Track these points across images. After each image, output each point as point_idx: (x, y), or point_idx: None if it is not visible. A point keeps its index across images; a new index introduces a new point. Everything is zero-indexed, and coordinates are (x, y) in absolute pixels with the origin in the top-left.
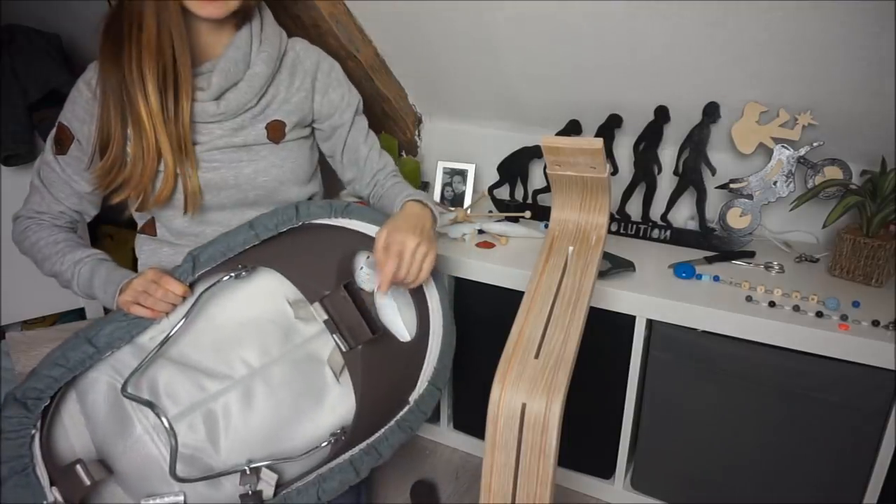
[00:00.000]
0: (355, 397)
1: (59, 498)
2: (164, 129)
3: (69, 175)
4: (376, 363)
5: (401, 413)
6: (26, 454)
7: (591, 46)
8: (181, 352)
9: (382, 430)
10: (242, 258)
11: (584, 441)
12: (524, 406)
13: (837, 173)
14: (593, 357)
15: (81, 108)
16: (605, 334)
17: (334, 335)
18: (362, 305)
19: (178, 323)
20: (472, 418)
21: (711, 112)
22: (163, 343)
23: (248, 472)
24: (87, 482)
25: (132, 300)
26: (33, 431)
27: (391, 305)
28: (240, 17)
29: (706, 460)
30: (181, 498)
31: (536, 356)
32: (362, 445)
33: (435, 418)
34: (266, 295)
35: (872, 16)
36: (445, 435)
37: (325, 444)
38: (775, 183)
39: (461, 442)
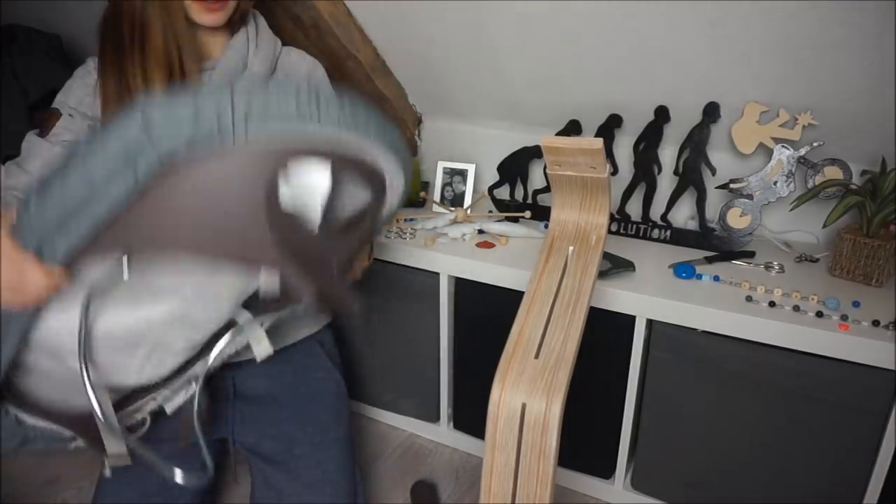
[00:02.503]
0: None
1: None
2: None
3: (49, 149)
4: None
5: None
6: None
7: (591, 46)
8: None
9: None
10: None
11: (584, 441)
12: (524, 406)
13: (837, 173)
14: (593, 357)
15: (78, 88)
16: (605, 334)
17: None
18: None
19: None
20: (472, 418)
21: (711, 112)
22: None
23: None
24: None
25: None
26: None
27: None
28: (235, 24)
29: (706, 460)
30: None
31: (536, 356)
32: None
33: (435, 418)
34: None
35: (872, 16)
36: (445, 435)
37: None
38: (775, 183)
39: (461, 442)
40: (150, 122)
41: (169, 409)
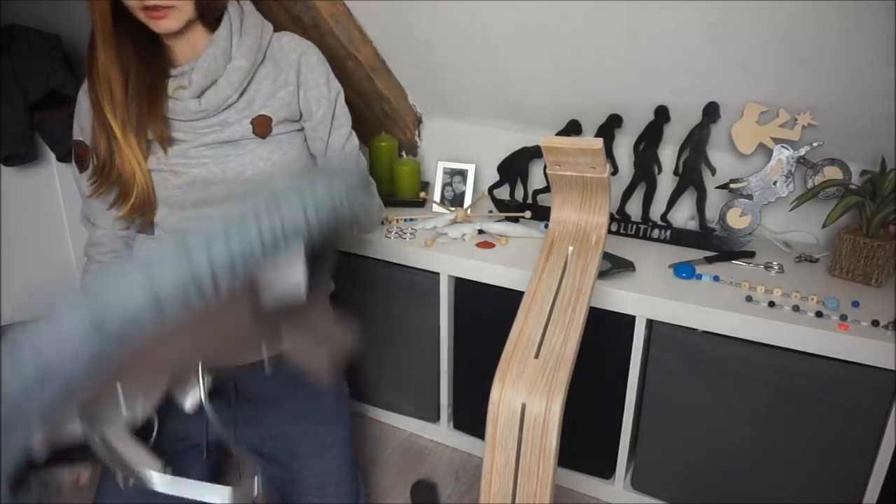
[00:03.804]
0: None
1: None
2: (134, 144)
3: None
4: None
5: None
6: None
7: (591, 46)
8: None
9: None
10: None
11: (584, 441)
12: (524, 406)
13: (837, 173)
14: (593, 357)
15: (82, 111)
16: (605, 334)
17: None
18: None
19: None
20: (472, 418)
21: (711, 112)
22: None
23: None
24: None
25: None
26: None
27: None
28: (213, 19)
29: (706, 460)
30: None
31: (536, 356)
32: None
33: (435, 418)
34: None
35: (872, 16)
36: (445, 435)
37: None
38: (775, 183)
39: (461, 442)
40: (101, 319)
41: (188, 405)
